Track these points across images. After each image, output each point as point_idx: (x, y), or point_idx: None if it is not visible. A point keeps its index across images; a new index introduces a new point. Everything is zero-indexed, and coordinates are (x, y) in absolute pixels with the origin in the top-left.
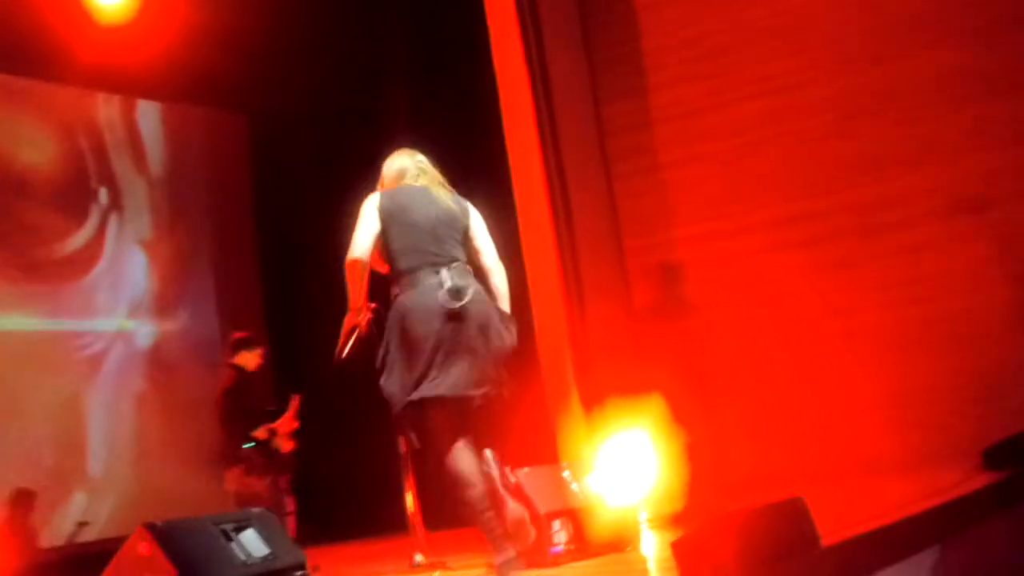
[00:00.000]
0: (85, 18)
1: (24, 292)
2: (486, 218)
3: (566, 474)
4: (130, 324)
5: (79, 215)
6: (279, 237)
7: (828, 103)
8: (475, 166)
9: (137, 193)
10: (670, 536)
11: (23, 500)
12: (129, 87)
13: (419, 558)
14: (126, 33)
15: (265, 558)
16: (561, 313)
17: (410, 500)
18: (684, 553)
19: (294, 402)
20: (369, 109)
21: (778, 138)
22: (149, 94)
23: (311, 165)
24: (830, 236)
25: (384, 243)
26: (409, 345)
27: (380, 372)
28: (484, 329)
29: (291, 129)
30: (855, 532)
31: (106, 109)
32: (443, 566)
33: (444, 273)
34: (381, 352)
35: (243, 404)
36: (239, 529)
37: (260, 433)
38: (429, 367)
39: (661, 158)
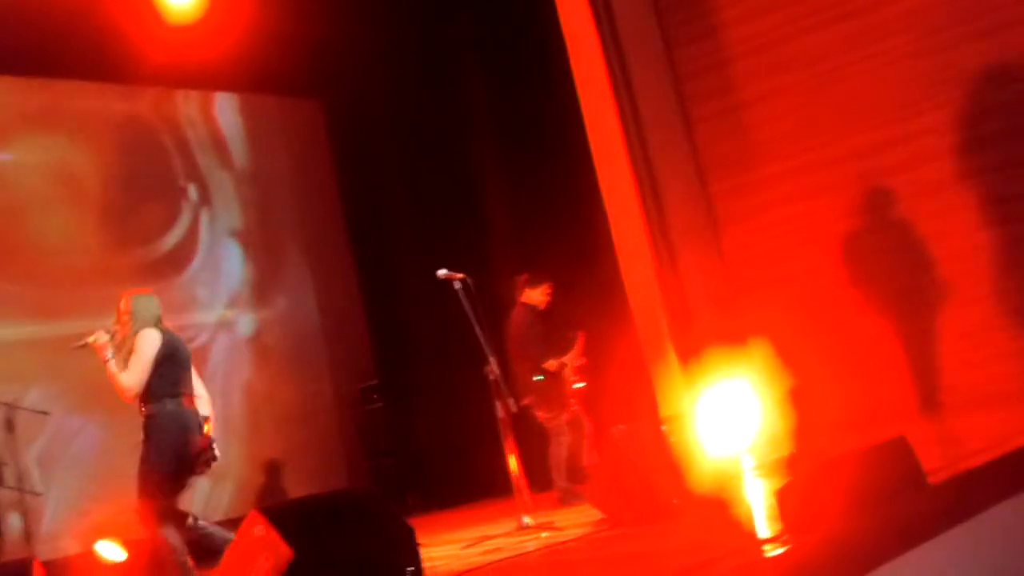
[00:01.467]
0: (155, 18)
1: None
2: (566, 176)
3: (664, 428)
4: (230, 314)
5: (172, 213)
6: (367, 217)
7: (909, 19)
8: (549, 124)
9: (224, 186)
10: (775, 484)
11: None
12: (205, 82)
13: (527, 520)
14: (198, 29)
15: (372, 533)
16: (650, 265)
17: (513, 463)
18: (789, 500)
19: (580, 338)
20: (440, 75)
21: (860, 62)
22: (224, 87)
23: (390, 144)
24: (923, 159)
25: None
26: None
27: None
28: None
29: (368, 111)
30: (962, 468)
31: (185, 107)
32: (550, 527)
33: None
34: None
35: (534, 340)
36: (347, 507)
37: (551, 365)
38: None
39: (740, 96)
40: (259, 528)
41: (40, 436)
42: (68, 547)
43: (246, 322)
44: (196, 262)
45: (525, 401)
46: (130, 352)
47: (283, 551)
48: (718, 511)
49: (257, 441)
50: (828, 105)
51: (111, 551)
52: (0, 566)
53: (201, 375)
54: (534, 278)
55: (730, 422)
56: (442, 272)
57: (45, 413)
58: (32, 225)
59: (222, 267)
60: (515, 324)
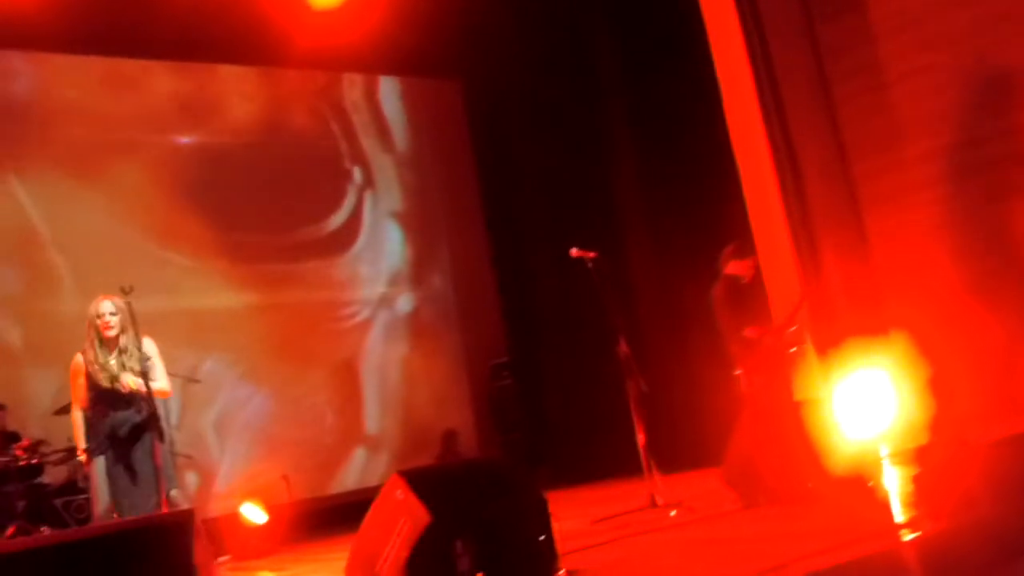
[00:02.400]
0: (300, 4)
1: (300, 269)
2: (700, 158)
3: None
4: (391, 292)
5: (339, 194)
6: (502, 196)
7: None
8: (686, 103)
9: (386, 169)
10: (912, 470)
11: None
12: (342, 64)
13: (658, 498)
14: (340, 13)
15: (507, 501)
16: (789, 248)
17: (643, 443)
18: (926, 487)
19: (796, 304)
20: (576, 55)
21: (1012, 38)
22: (362, 69)
23: (525, 124)
24: None
25: None
26: None
27: None
28: None
29: (504, 91)
30: None
31: (351, 92)
32: (680, 506)
33: None
34: None
35: (737, 311)
36: (483, 475)
37: (751, 333)
38: None
39: (885, 74)
40: (399, 492)
41: (215, 403)
42: (237, 505)
43: (405, 300)
44: (360, 241)
45: (735, 373)
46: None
47: (421, 515)
48: (853, 495)
49: (412, 415)
50: (978, 83)
51: (254, 513)
52: (166, 515)
53: (361, 349)
54: (740, 249)
55: (867, 408)
56: (574, 250)
57: (196, 381)
58: (210, 204)
59: (384, 246)
60: (717, 296)
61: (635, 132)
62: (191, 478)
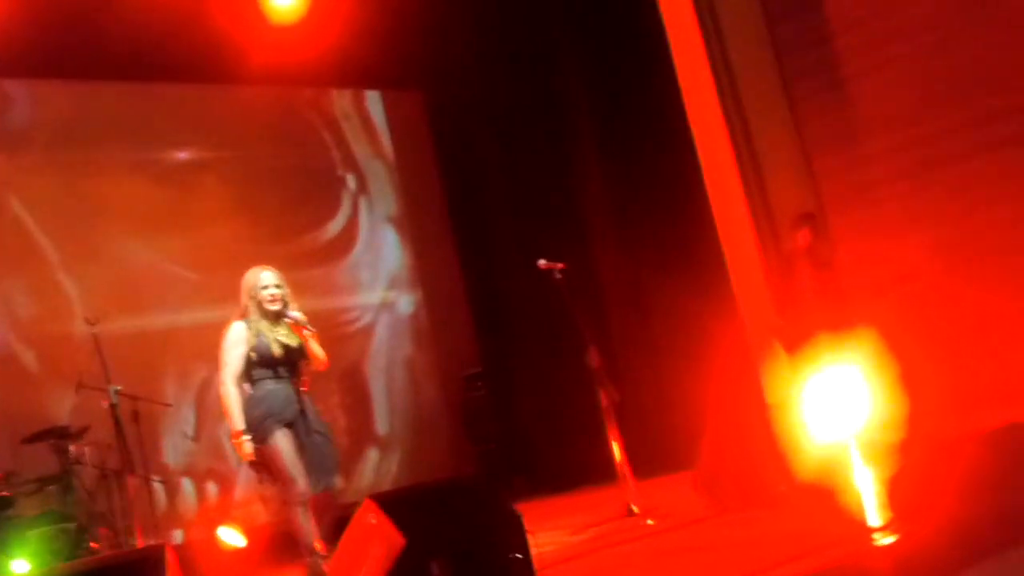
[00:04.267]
0: (261, 20)
1: (303, 277)
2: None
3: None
4: (391, 295)
5: (334, 202)
6: (469, 206)
7: None
8: (648, 108)
9: (378, 174)
10: (885, 471)
11: None
12: (312, 78)
13: (634, 507)
14: (300, 29)
15: (481, 521)
16: (754, 248)
17: (616, 451)
18: (900, 488)
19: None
20: (536, 62)
21: (974, 27)
22: (327, 83)
23: (489, 135)
24: None
25: None
26: None
27: None
28: None
29: (467, 102)
30: None
31: (340, 101)
32: (656, 514)
33: None
34: None
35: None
36: (457, 495)
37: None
38: None
39: (845, 70)
40: (372, 516)
41: None
42: (258, 514)
43: (405, 303)
44: (358, 246)
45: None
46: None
47: (395, 539)
48: (826, 499)
49: (420, 416)
50: (940, 74)
51: (232, 537)
52: (137, 551)
53: (366, 352)
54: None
55: (837, 408)
56: (542, 262)
57: (168, 405)
58: (206, 216)
59: (381, 251)
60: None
61: (599, 138)
62: (211, 488)
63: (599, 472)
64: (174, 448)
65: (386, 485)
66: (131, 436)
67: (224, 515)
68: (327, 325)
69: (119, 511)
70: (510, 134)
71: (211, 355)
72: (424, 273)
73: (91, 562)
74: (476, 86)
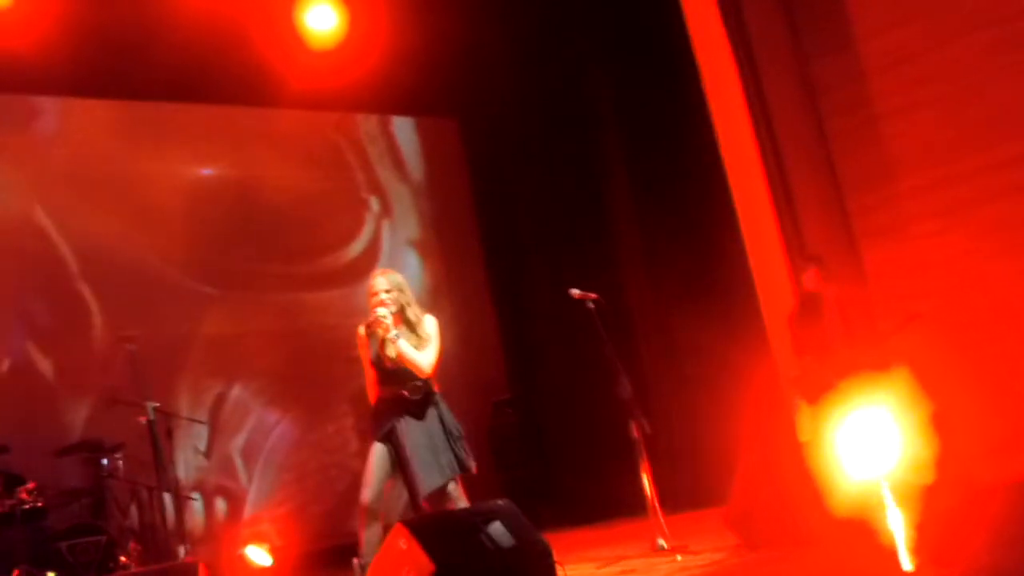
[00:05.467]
0: (300, 46)
1: (323, 297)
2: (696, 195)
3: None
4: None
5: (357, 224)
6: (501, 233)
7: None
8: (681, 141)
9: (402, 198)
10: (916, 514)
11: None
12: (347, 104)
13: (662, 542)
14: (337, 55)
15: (512, 549)
16: (786, 283)
17: (646, 484)
18: (931, 532)
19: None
20: (570, 96)
21: (1006, 69)
22: (364, 108)
23: (522, 163)
24: None
25: None
26: None
27: None
28: None
29: (502, 129)
30: None
31: (366, 124)
32: (685, 549)
33: None
34: None
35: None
36: (487, 521)
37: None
38: None
39: (879, 108)
40: (403, 541)
41: (242, 430)
42: (266, 532)
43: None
44: (379, 268)
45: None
46: (413, 328)
47: (425, 565)
48: (859, 538)
49: None
50: (973, 115)
51: (258, 556)
52: (170, 566)
53: None
54: (809, 259)
55: (870, 448)
56: (575, 292)
57: (202, 423)
58: (233, 234)
59: (402, 273)
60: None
61: (632, 170)
62: (220, 504)
63: (627, 505)
64: (185, 463)
65: (398, 509)
66: (162, 452)
67: (244, 533)
68: (344, 346)
69: (149, 526)
70: (543, 163)
71: (226, 371)
72: (453, 297)
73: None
74: (510, 115)
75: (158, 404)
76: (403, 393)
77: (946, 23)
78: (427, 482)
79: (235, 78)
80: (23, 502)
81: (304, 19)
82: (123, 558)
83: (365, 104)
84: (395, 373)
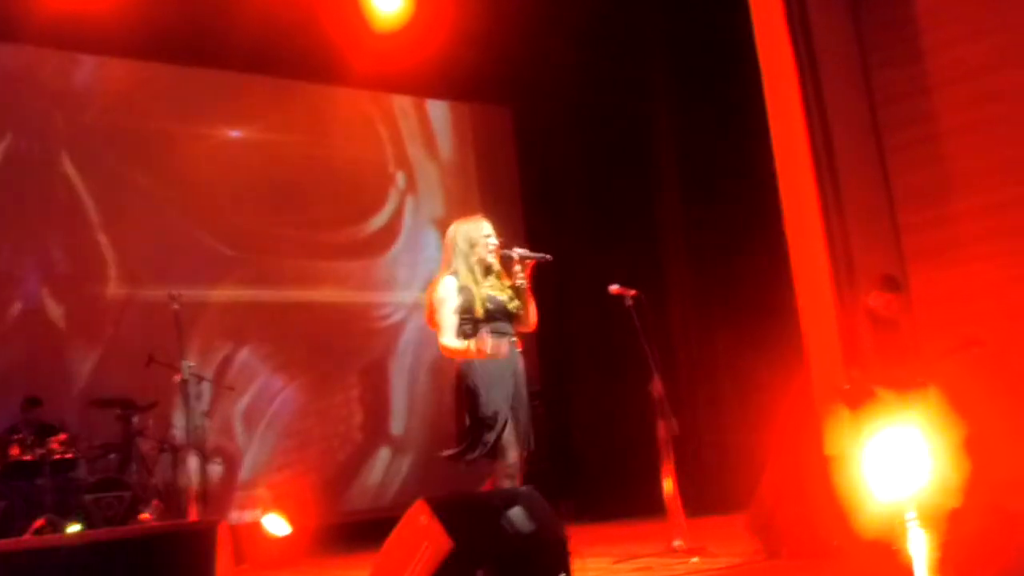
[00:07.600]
0: (365, 26)
1: (339, 267)
2: (746, 200)
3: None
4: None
5: (380, 197)
6: (544, 223)
7: None
8: (735, 144)
9: (429, 176)
10: (941, 536)
11: None
12: (403, 87)
13: (678, 543)
14: (399, 38)
15: (531, 534)
16: (829, 297)
17: (669, 485)
18: (955, 556)
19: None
20: (627, 93)
21: None
22: (420, 93)
23: (572, 154)
24: None
25: None
26: None
27: None
28: None
29: (554, 120)
30: None
31: (400, 99)
32: (703, 552)
33: None
34: None
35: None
36: (508, 505)
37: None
38: None
39: (940, 125)
40: (423, 517)
41: (246, 394)
42: (260, 497)
43: None
44: (398, 244)
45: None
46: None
47: (443, 542)
48: (880, 556)
49: (438, 421)
50: None
51: (276, 525)
52: (189, 523)
53: (392, 350)
54: (887, 281)
55: (899, 467)
56: (614, 287)
57: (231, 389)
58: (256, 198)
59: (422, 250)
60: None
61: (683, 170)
62: (215, 467)
63: (648, 504)
64: (185, 423)
65: (394, 486)
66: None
67: (236, 496)
68: (358, 318)
69: (172, 485)
70: (593, 156)
71: (236, 334)
72: None
73: (145, 528)
74: (566, 110)
75: (193, 364)
76: (512, 341)
77: (1017, 42)
78: (530, 439)
79: (296, 54)
80: (53, 452)
81: None
82: (146, 515)
83: (421, 88)
84: (487, 325)
